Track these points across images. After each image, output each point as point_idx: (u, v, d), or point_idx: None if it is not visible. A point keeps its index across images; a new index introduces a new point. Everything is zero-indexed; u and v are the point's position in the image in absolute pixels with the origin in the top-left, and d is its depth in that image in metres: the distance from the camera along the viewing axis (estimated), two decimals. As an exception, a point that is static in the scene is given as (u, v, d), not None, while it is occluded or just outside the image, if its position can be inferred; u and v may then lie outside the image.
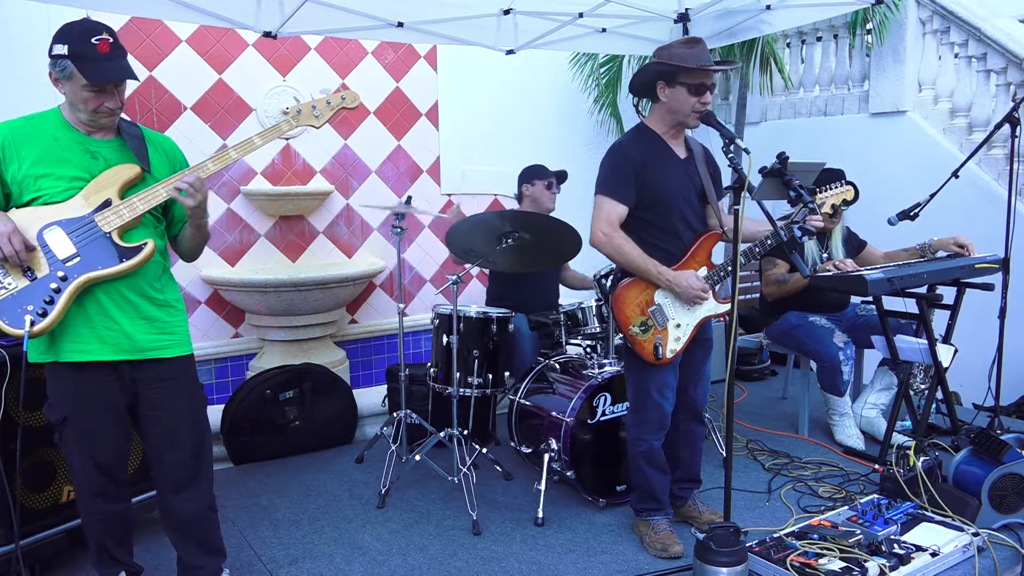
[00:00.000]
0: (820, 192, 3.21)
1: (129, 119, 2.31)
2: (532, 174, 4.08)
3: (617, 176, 2.75)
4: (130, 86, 4.38)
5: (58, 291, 2.09)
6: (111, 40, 2.09)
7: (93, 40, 2.06)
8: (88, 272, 2.12)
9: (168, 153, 2.35)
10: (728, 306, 2.59)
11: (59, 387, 2.23)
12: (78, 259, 2.12)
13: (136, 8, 3.46)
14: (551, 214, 3.92)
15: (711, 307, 2.86)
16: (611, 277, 3.37)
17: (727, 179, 2.82)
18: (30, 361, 2.16)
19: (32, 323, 2.06)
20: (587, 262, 3.81)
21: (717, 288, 2.87)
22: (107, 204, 2.15)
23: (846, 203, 3.25)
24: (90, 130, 2.20)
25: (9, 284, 2.08)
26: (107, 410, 2.25)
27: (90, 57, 2.06)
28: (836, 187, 3.23)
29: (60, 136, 2.17)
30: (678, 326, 2.81)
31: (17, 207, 2.14)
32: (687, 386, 2.94)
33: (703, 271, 2.83)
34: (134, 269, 2.17)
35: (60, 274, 2.10)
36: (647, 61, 2.91)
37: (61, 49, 2.06)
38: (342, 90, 2.44)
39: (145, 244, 2.18)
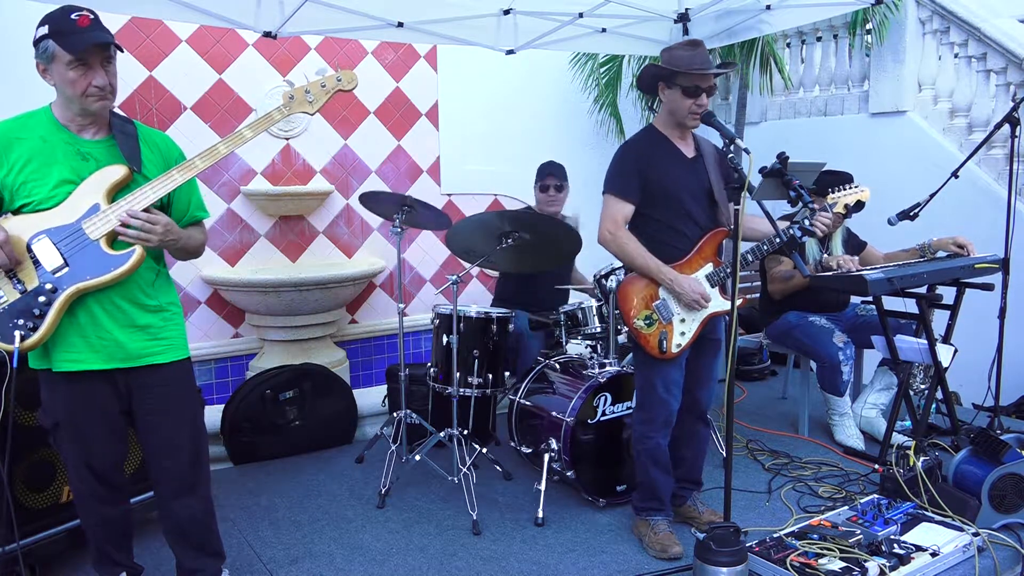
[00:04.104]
0: (832, 192, 3.18)
1: (124, 115, 2.24)
2: (537, 174, 4.05)
3: (622, 175, 2.79)
4: (130, 85, 4.33)
5: (48, 304, 2.04)
6: (92, 17, 2.04)
7: (73, 16, 2.02)
8: (77, 283, 2.06)
9: (162, 150, 2.27)
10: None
11: (51, 394, 2.20)
12: (67, 269, 2.06)
13: (136, 8, 3.46)
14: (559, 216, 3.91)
15: (717, 304, 2.85)
16: (611, 277, 3.37)
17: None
18: (29, 366, 2.15)
19: (23, 337, 2.02)
20: (589, 261, 3.81)
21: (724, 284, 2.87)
22: (95, 209, 2.08)
23: (860, 205, 3.18)
24: (81, 128, 2.14)
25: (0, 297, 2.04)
26: (101, 416, 2.21)
27: (69, 31, 2.00)
28: (850, 188, 3.20)
29: (49, 137, 2.10)
30: (683, 321, 2.81)
31: (11, 212, 2.08)
32: (693, 387, 2.94)
33: (708, 267, 2.84)
34: (124, 277, 2.10)
35: (49, 286, 2.04)
36: (649, 61, 2.92)
37: (42, 31, 2.02)
38: (338, 72, 2.30)
39: (133, 251, 2.10)
